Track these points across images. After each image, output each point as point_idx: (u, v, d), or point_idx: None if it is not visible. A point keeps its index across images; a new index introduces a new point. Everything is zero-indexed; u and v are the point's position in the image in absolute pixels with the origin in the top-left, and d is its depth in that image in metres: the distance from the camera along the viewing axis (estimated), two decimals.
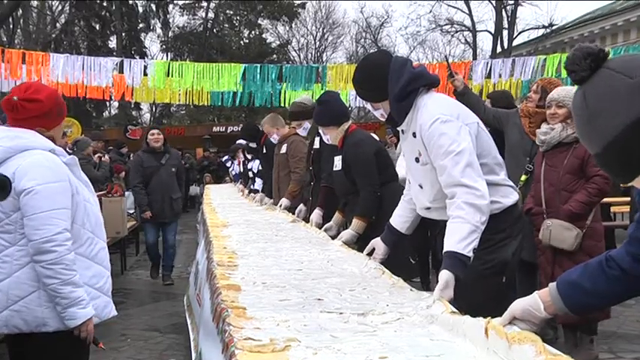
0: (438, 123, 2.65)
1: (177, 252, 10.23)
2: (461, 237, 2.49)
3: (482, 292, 2.67)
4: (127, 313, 6.52)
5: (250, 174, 9.08)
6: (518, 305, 1.85)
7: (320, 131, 4.63)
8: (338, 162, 4.43)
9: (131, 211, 9.34)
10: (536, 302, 1.82)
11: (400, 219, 3.18)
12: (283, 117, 6.94)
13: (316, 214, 5.00)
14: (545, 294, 1.83)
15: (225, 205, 7.13)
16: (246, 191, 9.19)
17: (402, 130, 2.91)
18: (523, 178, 4.69)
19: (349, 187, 4.36)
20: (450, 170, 2.60)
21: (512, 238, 2.82)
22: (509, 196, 2.83)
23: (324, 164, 5.10)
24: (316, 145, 5.48)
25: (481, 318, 1.84)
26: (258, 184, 8.36)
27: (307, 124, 5.92)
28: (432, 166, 2.74)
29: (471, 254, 2.49)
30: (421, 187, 2.90)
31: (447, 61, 5.04)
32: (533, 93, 4.90)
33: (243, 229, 4.71)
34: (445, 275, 2.43)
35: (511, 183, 2.91)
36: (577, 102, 1.39)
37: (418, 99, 2.79)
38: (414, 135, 2.78)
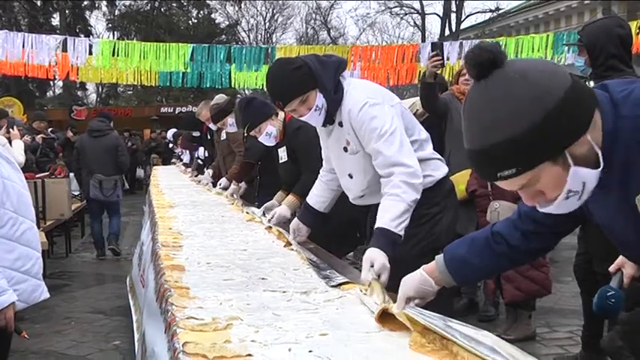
0: (367, 107, 2.65)
1: (124, 234, 10.13)
2: (395, 215, 2.51)
3: None
4: (71, 295, 6.42)
5: (199, 161, 9.08)
6: (409, 286, 1.89)
7: (260, 139, 4.36)
8: (283, 153, 4.32)
9: (76, 193, 9.15)
10: (426, 280, 1.88)
11: (319, 199, 3.19)
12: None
13: (232, 189, 5.16)
14: (431, 269, 1.89)
15: (172, 187, 7.08)
16: (192, 172, 9.14)
17: (326, 126, 2.85)
18: None
19: (297, 175, 4.22)
20: (385, 152, 2.61)
21: (446, 210, 2.85)
22: (440, 169, 2.87)
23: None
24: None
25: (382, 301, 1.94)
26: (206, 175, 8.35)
27: (231, 120, 5.81)
28: (363, 152, 2.73)
29: (402, 233, 2.52)
30: (351, 176, 2.88)
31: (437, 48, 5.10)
32: (469, 74, 4.96)
33: (189, 210, 4.70)
34: (372, 254, 2.38)
35: (439, 156, 2.95)
36: (471, 95, 1.43)
37: (343, 86, 2.77)
38: (341, 124, 2.76)
